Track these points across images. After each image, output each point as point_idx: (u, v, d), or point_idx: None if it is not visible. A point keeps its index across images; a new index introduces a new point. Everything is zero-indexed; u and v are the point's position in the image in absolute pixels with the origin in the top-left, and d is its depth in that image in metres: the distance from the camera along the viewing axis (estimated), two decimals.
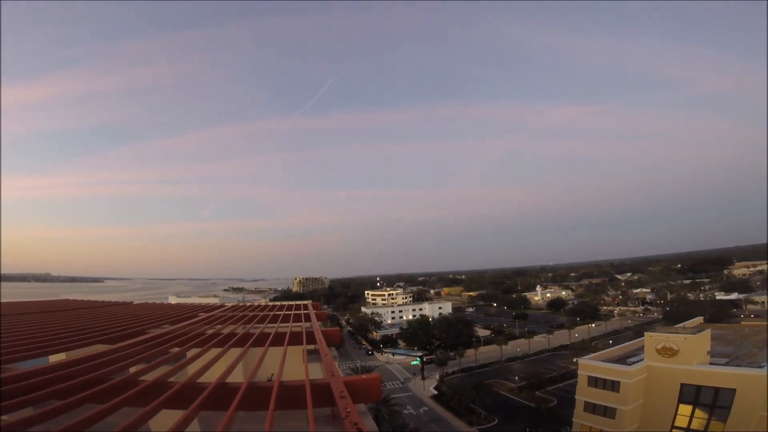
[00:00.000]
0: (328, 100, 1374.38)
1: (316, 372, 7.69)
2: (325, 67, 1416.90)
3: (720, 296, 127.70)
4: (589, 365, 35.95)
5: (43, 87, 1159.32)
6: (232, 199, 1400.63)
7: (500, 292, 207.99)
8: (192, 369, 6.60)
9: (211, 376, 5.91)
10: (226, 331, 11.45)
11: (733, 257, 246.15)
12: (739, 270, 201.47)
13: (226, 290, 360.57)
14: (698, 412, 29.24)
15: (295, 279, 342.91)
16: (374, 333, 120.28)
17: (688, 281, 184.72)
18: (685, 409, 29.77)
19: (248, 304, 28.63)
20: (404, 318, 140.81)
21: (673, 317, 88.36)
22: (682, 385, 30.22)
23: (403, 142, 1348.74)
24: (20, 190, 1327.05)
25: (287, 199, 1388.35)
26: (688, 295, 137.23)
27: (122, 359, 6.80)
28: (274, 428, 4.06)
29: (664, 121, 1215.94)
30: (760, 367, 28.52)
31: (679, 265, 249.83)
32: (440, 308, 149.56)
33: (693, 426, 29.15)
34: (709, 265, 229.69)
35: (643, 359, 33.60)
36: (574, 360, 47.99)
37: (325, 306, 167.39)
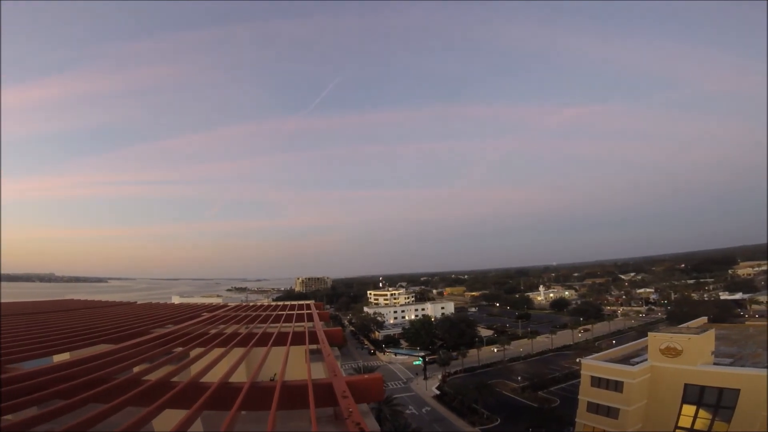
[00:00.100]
0: (331, 100, 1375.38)
1: (319, 372, 7.70)
2: (327, 68, 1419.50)
3: (724, 296, 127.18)
4: (592, 365, 35.82)
5: (46, 88, 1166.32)
6: (235, 200, 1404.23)
7: (503, 292, 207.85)
8: (195, 369, 6.62)
9: (214, 376, 5.93)
10: (229, 330, 11.47)
11: (738, 257, 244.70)
12: (744, 270, 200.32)
13: (229, 290, 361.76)
14: (702, 413, 29.09)
15: (298, 279, 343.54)
16: (377, 333, 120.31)
17: (692, 281, 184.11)
18: (689, 410, 29.62)
19: (251, 304, 28.70)
20: (407, 318, 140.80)
21: (676, 317, 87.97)
22: (685, 385, 30.07)
23: (405, 143, 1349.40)
24: (24, 191, 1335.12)
25: (290, 199, 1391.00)
26: (692, 295, 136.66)
27: (126, 359, 6.82)
28: (277, 428, 4.06)
29: (667, 120, 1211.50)
30: (765, 367, 28.34)
31: (683, 265, 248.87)
32: (443, 308, 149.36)
33: (697, 426, 29.00)
34: (713, 264, 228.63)
35: (646, 359, 33.45)
36: (577, 360, 47.83)
37: (328, 306, 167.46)
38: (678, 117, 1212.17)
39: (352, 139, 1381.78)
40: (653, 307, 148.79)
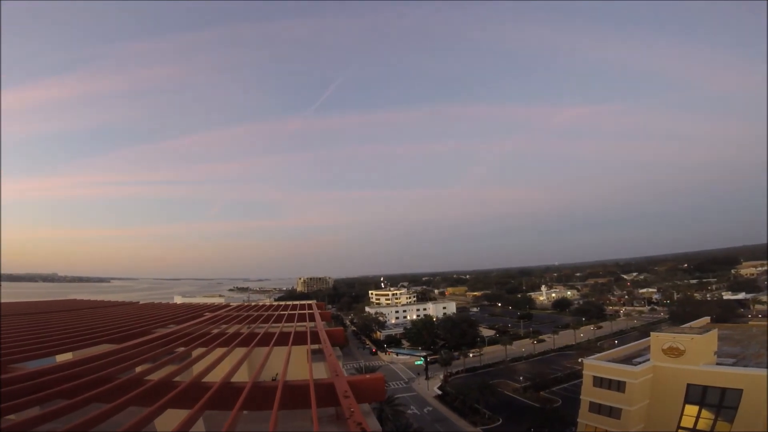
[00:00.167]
0: (333, 100, 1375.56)
1: (321, 372, 7.72)
2: (329, 68, 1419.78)
3: (727, 296, 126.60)
4: (594, 365, 35.75)
5: (48, 88, 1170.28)
6: (237, 200, 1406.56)
7: (505, 292, 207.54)
8: (197, 368, 6.65)
9: (216, 376, 5.95)
10: (231, 330, 11.50)
11: (741, 257, 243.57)
12: (747, 269, 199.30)
13: (231, 290, 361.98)
14: (704, 413, 29.00)
15: (300, 279, 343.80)
16: (378, 333, 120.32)
17: (694, 281, 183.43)
18: (692, 410, 29.53)
19: (253, 303, 28.75)
20: (408, 318, 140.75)
21: (679, 317, 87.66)
22: (688, 385, 29.98)
23: (407, 143, 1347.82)
24: (27, 192, 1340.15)
25: (292, 200, 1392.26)
26: (695, 294, 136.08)
27: (128, 359, 6.85)
28: (279, 428, 4.07)
29: (669, 120, 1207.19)
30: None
31: (686, 265, 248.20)
32: (444, 308, 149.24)
33: (699, 426, 28.91)
34: (716, 264, 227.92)
35: (649, 359, 33.37)
36: (579, 360, 47.75)
37: (330, 306, 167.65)
38: (680, 117, 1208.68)
39: (353, 139, 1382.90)
40: (656, 307, 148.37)
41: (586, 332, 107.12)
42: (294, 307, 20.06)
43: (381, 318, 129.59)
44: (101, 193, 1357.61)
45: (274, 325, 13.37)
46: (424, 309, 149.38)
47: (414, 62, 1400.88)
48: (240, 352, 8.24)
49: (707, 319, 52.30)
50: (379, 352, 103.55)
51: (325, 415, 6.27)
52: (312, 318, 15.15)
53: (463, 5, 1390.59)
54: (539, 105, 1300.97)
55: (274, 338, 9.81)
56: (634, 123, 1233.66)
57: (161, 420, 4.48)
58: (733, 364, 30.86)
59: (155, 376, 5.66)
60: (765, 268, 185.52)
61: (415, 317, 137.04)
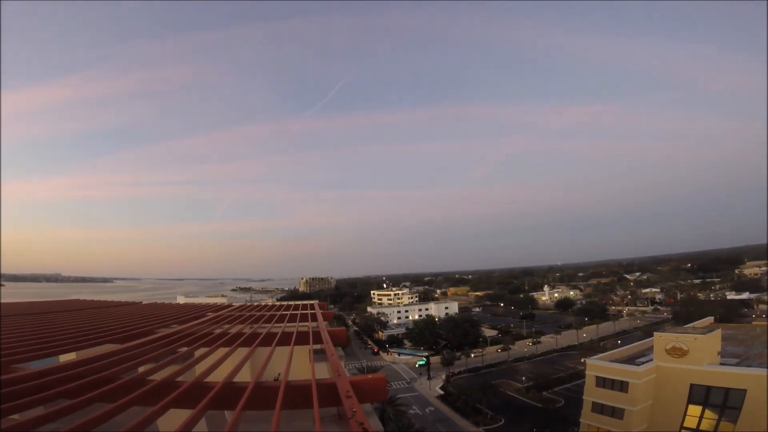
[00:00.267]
0: (337, 101, 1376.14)
1: (323, 372, 7.72)
2: (333, 68, 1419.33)
3: (731, 296, 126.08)
4: (597, 365, 35.65)
5: (53, 90, 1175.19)
6: (240, 200, 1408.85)
7: (507, 292, 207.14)
8: (200, 368, 6.66)
9: (218, 376, 5.96)
10: (233, 330, 11.52)
11: (744, 256, 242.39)
12: (751, 269, 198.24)
13: (233, 290, 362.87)
14: (708, 413, 28.88)
15: (302, 279, 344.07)
16: (380, 333, 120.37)
17: (698, 281, 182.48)
18: (695, 410, 29.42)
19: (255, 304, 28.79)
20: (410, 318, 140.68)
21: (683, 317, 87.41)
22: (691, 385, 29.87)
23: (410, 143, 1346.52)
24: (31, 192, 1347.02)
25: (295, 199, 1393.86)
26: (699, 294, 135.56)
27: (131, 359, 6.88)
28: (281, 428, 4.08)
29: (672, 119, 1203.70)
30: None
31: (689, 265, 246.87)
32: (447, 308, 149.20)
33: (702, 427, 28.80)
34: (719, 264, 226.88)
35: (652, 359, 33.26)
36: (582, 360, 47.63)
37: (332, 306, 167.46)
38: (683, 116, 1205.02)
39: (357, 139, 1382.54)
40: (659, 307, 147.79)
41: (588, 332, 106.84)
42: (296, 307, 20.09)
43: (383, 318, 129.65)
44: (105, 194, 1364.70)
45: (276, 325, 13.39)
46: (426, 309, 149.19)
47: (416, 62, 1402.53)
48: (242, 352, 8.26)
49: (711, 319, 52.09)
50: (381, 352, 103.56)
51: (327, 415, 6.27)
52: (314, 318, 15.17)
53: (465, 6, 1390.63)
54: (541, 105, 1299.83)
55: (277, 338, 9.82)
56: (636, 123, 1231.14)
57: (164, 420, 4.49)
58: (737, 364, 30.72)
59: (158, 376, 5.68)
60: None
61: (417, 317, 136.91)
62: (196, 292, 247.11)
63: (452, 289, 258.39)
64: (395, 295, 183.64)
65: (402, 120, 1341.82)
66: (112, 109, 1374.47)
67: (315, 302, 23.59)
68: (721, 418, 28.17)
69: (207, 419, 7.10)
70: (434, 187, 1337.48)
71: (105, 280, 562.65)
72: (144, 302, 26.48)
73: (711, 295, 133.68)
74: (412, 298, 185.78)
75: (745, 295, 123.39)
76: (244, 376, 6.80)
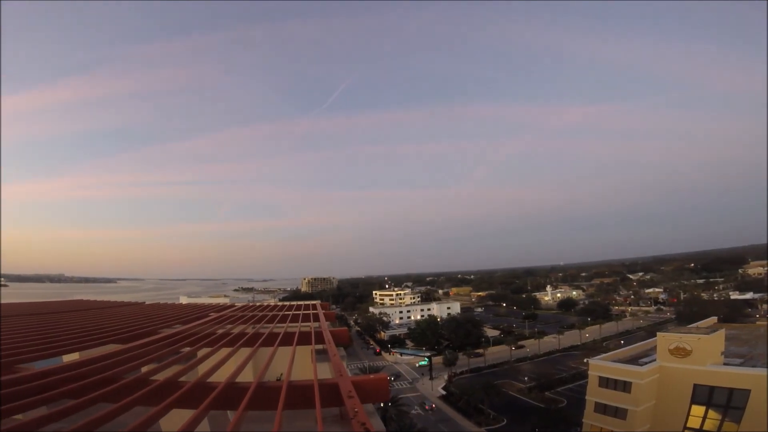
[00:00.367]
0: (339, 101, 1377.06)
1: (325, 372, 7.73)
2: (336, 69, 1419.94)
3: (734, 296, 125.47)
4: (600, 366, 35.55)
5: (55, 91, 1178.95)
6: (242, 200, 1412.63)
7: (510, 292, 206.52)
8: (202, 368, 6.68)
9: (221, 376, 5.98)
10: (236, 330, 11.55)
11: (748, 256, 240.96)
12: (754, 269, 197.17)
13: (236, 290, 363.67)
14: (711, 413, 28.77)
15: (304, 279, 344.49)
16: (382, 333, 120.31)
17: (701, 281, 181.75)
18: (698, 410, 29.30)
19: (258, 304, 28.84)
20: (412, 318, 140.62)
21: (686, 317, 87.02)
22: (695, 385, 29.75)
23: (412, 143, 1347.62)
24: (35, 193, 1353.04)
25: (297, 200, 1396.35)
26: (702, 294, 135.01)
27: (134, 359, 6.90)
28: (283, 428, 4.09)
29: (675, 119, 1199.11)
30: None
31: (693, 265, 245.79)
32: (449, 308, 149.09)
33: (706, 427, 28.68)
34: (723, 264, 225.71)
35: (655, 359, 33.14)
36: (585, 360, 47.49)
37: (334, 306, 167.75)
38: (684, 116, 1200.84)
39: (359, 139, 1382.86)
40: (662, 307, 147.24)
41: (591, 332, 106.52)
42: (298, 308, 20.12)
43: (385, 318, 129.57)
44: (107, 194, 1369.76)
45: (278, 325, 13.41)
46: (428, 309, 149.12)
47: (418, 63, 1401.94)
48: (245, 352, 8.28)
49: (714, 319, 51.87)
50: (383, 353, 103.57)
51: (329, 415, 6.28)
52: (316, 318, 15.18)
53: (466, 6, 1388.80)
54: (543, 105, 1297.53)
55: (279, 338, 9.84)
56: (639, 122, 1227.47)
57: (166, 420, 4.50)
58: (741, 365, 30.58)
59: (161, 376, 5.70)
60: None
61: (419, 317, 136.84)
62: (199, 293, 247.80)
63: (454, 289, 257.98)
64: (397, 295, 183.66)
65: (404, 120, 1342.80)
66: (115, 109, 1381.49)
67: (317, 302, 23.63)
68: (725, 419, 28.05)
69: (209, 419, 7.11)
70: (436, 187, 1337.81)
71: (108, 281, 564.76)
72: (147, 302, 26.57)
73: (714, 295, 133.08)
74: (414, 298, 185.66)
75: (748, 295, 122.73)
76: (247, 376, 6.82)
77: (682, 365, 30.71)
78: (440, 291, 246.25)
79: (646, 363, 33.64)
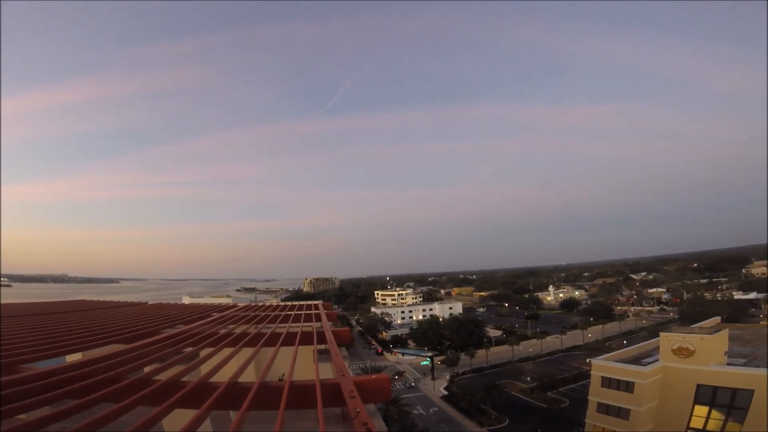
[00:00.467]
0: (342, 102, 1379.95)
1: (327, 372, 7.72)
2: (339, 70, 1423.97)
3: (738, 296, 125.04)
4: (602, 366, 35.47)
5: (62, 92, 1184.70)
6: (245, 201, 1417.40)
7: (512, 292, 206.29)
8: (205, 368, 6.69)
9: (223, 376, 5.98)
10: (238, 330, 11.56)
11: (752, 256, 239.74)
12: (758, 269, 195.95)
13: (238, 290, 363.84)
14: (714, 413, 28.66)
15: (306, 279, 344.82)
16: (384, 333, 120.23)
17: (704, 280, 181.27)
18: (701, 410, 29.20)
19: (260, 304, 28.87)
20: (414, 318, 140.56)
21: (689, 317, 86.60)
22: (698, 385, 29.65)
23: (414, 143, 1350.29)
24: (37, 194, 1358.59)
25: (299, 200, 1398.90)
26: (705, 294, 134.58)
27: (137, 359, 6.91)
28: (285, 428, 4.09)
29: (678, 119, 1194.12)
30: None
31: (696, 264, 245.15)
32: (451, 308, 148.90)
33: (709, 427, 28.59)
34: (726, 263, 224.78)
35: (658, 360, 33.05)
36: (587, 360, 47.37)
37: (336, 306, 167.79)
38: (685, 115, 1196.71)
39: (361, 140, 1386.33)
40: (665, 307, 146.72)
41: (594, 332, 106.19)
42: (300, 308, 20.12)
43: (387, 318, 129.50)
44: (111, 195, 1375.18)
45: (280, 325, 13.41)
46: (430, 309, 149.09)
47: (420, 64, 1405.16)
48: (247, 352, 8.28)
49: (718, 319, 51.63)
50: (384, 353, 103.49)
51: (331, 415, 6.28)
52: (318, 318, 15.18)
53: (467, 8, 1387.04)
54: (544, 105, 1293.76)
55: (281, 338, 9.84)
56: (640, 122, 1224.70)
57: (169, 420, 4.51)
58: (744, 365, 30.48)
59: (163, 376, 5.71)
60: None
61: (421, 317, 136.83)
62: (201, 293, 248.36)
63: (456, 290, 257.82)
64: (399, 295, 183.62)
65: (406, 121, 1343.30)
66: (117, 110, 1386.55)
67: (319, 302, 23.60)
68: (728, 419, 27.95)
69: (212, 419, 7.13)
70: (439, 188, 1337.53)
71: (111, 281, 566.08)
72: (149, 302, 26.60)
73: (718, 295, 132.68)
74: (416, 298, 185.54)
75: (752, 295, 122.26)
76: (249, 376, 6.83)
77: (685, 365, 30.61)
78: (442, 291, 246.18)
79: (648, 363, 33.54)
